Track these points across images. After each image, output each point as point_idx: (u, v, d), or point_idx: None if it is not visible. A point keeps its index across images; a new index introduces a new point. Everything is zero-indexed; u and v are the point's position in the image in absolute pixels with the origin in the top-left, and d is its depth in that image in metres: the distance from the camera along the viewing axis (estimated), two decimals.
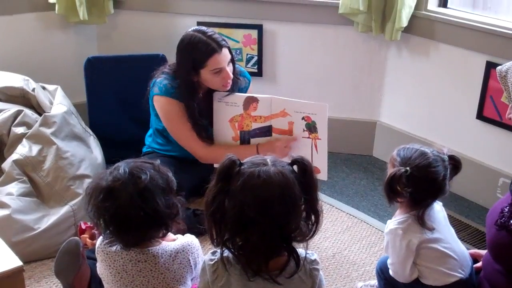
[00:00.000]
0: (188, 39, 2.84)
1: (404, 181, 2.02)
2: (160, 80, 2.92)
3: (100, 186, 1.84)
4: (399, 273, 2.14)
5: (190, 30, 2.88)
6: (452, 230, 2.23)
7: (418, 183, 2.03)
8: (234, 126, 2.94)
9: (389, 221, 2.20)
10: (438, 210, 2.20)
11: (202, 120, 2.92)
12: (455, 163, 2.13)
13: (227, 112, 2.94)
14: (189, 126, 2.92)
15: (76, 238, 2.27)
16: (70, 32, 3.80)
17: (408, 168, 2.03)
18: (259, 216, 1.59)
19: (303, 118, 2.83)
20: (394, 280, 2.19)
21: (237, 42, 3.75)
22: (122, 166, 1.87)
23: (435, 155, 2.08)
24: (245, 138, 2.94)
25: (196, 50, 2.80)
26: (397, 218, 2.15)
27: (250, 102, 2.90)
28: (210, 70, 2.81)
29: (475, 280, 2.17)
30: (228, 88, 2.90)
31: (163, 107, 2.92)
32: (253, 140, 2.94)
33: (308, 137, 2.85)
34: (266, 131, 2.91)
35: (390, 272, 2.18)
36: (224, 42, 2.83)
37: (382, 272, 2.28)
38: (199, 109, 2.92)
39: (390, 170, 2.12)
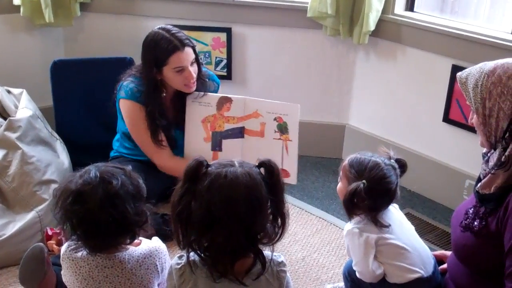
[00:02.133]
0: (152, 36, 2.84)
1: (363, 195, 2.07)
2: (126, 83, 2.90)
3: (69, 188, 1.81)
4: (364, 271, 2.16)
5: (156, 28, 2.88)
6: (412, 228, 2.26)
7: (374, 194, 2.08)
8: (207, 127, 2.94)
9: (346, 224, 2.23)
10: (393, 211, 2.23)
11: (161, 121, 2.91)
12: (401, 166, 2.18)
13: (200, 112, 2.93)
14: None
15: (41, 244, 2.23)
16: (35, 34, 3.75)
17: (364, 181, 2.08)
18: (225, 215, 1.60)
19: (275, 119, 2.85)
20: (360, 281, 2.21)
21: (206, 45, 3.74)
22: (93, 170, 1.84)
23: (387, 165, 2.13)
24: (217, 139, 2.94)
25: (159, 47, 2.80)
26: (354, 220, 2.19)
27: (224, 102, 2.90)
28: (172, 68, 2.80)
29: (440, 280, 2.20)
30: (192, 89, 2.89)
31: (128, 111, 2.91)
32: (225, 142, 2.93)
33: (279, 139, 2.86)
34: (238, 132, 2.91)
35: (357, 273, 2.20)
36: (187, 41, 2.83)
37: (349, 274, 2.30)
38: (161, 111, 2.91)
39: (343, 180, 2.18)
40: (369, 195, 2.07)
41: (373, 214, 2.12)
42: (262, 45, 3.76)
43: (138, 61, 3.45)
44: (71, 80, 3.43)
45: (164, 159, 2.96)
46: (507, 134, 1.83)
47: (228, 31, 3.71)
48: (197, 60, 2.89)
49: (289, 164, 2.86)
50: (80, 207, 1.78)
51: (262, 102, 2.88)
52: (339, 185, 2.23)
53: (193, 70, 2.85)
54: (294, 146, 2.86)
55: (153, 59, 2.82)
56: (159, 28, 2.86)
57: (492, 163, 1.88)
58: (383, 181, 2.09)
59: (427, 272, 2.15)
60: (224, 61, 3.78)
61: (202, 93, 2.93)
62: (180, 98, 2.98)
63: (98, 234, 1.81)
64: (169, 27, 2.87)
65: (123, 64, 3.36)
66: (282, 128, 2.85)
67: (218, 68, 3.79)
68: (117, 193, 1.80)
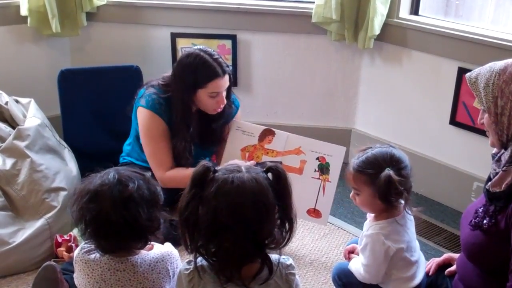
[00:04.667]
0: (194, 56, 2.81)
1: (396, 179, 2.01)
2: (149, 93, 2.89)
3: (87, 188, 1.85)
4: (373, 275, 2.16)
5: (195, 48, 2.88)
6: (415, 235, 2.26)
7: (402, 174, 2.04)
8: (244, 156, 2.95)
9: (369, 222, 2.19)
10: (409, 217, 2.22)
11: (189, 138, 2.90)
12: None
13: (242, 141, 2.97)
14: (163, 145, 2.88)
15: (52, 263, 2.24)
16: (43, 44, 3.78)
17: (388, 168, 2.03)
18: (232, 221, 1.60)
19: (317, 158, 2.85)
20: (349, 284, 2.24)
21: None
22: (113, 173, 1.87)
23: (385, 147, 2.12)
24: None
25: (201, 70, 2.78)
26: (379, 223, 2.14)
27: (267, 134, 2.94)
28: (208, 92, 2.81)
29: (425, 282, 2.24)
30: (218, 112, 2.91)
31: (144, 120, 2.89)
32: None
33: (318, 178, 2.85)
34: None
35: (362, 272, 2.18)
36: (228, 69, 2.84)
37: (339, 278, 2.31)
38: (188, 126, 2.89)
39: (364, 188, 2.10)
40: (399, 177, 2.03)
41: (390, 208, 2.10)
42: (267, 51, 3.77)
43: (144, 69, 3.49)
44: (78, 89, 3.45)
45: (165, 173, 2.88)
46: None
47: (233, 38, 3.73)
48: (230, 85, 2.90)
49: (323, 205, 2.84)
50: (95, 206, 1.81)
51: (307, 140, 2.89)
52: (361, 197, 2.14)
53: (225, 95, 2.88)
54: (332, 188, 2.84)
55: (191, 80, 2.80)
56: (200, 50, 2.84)
57: (504, 161, 1.88)
58: (394, 159, 2.06)
59: (421, 279, 2.18)
60: (230, 68, 3.78)
61: (247, 122, 2.98)
62: (207, 116, 2.97)
63: (108, 234, 1.83)
64: (210, 50, 2.86)
65: (130, 72, 3.38)
66: (323, 168, 2.84)
67: None
68: (131, 196, 1.82)
